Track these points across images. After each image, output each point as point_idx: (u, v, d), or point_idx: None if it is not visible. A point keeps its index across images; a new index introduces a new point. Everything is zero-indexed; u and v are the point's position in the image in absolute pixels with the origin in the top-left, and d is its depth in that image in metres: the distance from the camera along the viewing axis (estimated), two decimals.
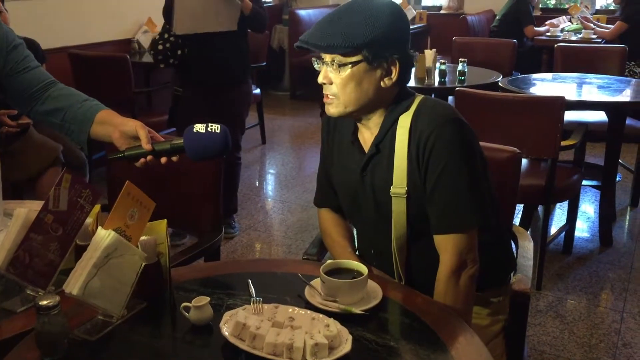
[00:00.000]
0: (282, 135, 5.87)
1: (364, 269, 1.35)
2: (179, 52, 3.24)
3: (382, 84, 1.47)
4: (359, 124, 1.57)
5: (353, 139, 1.59)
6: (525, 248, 1.82)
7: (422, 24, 7.09)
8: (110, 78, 4.03)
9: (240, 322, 1.16)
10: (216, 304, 1.30)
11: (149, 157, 1.43)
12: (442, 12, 7.27)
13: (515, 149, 1.86)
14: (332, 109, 1.50)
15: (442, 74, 4.01)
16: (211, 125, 1.37)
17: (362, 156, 1.56)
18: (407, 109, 1.50)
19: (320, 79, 1.49)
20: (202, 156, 1.41)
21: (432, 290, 1.48)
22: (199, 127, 1.37)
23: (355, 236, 1.74)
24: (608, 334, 2.71)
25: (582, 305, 2.93)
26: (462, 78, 3.99)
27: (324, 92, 1.50)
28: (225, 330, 1.17)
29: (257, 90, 5.30)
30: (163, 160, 1.43)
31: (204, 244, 1.89)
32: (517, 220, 3.47)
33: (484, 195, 1.49)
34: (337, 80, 1.45)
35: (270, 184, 4.78)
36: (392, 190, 1.49)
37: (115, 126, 1.50)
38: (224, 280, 1.44)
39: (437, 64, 4.03)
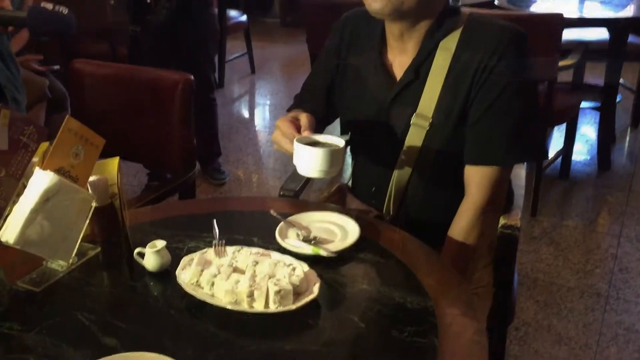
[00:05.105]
0: (272, 64, 5.67)
1: (341, 141, 1.23)
2: None
3: None
4: (394, 43, 1.37)
5: (380, 62, 1.39)
6: (517, 176, 1.70)
7: None
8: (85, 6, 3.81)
9: (197, 268, 1.06)
10: (176, 247, 1.20)
11: None
12: None
13: None
14: (382, 3, 1.25)
15: None
16: (60, 7, 1.47)
17: (390, 82, 1.38)
18: (453, 27, 1.31)
19: None
20: (42, 29, 1.50)
21: (421, 232, 1.32)
22: (47, 5, 1.47)
23: (354, 170, 1.60)
24: (604, 259, 2.65)
25: (578, 231, 2.86)
26: None
27: None
28: (183, 277, 1.08)
29: (244, 17, 5.06)
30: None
31: (176, 181, 1.78)
32: None
33: (537, 129, 1.34)
34: None
35: (260, 115, 4.63)
36: (414, 119, 1.34)
37: None
38: (188, 221, 1.33)
39: None
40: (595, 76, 4.38)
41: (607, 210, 3.05)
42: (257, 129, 4.31)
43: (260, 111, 4.70)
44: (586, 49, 3.13)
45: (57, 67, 3.10)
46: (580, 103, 3.16)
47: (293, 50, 6.01)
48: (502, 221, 1.48)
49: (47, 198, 1.06)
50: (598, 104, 3.50)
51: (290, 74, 5.35)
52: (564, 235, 2.84)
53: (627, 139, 3.89)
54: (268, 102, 4.79)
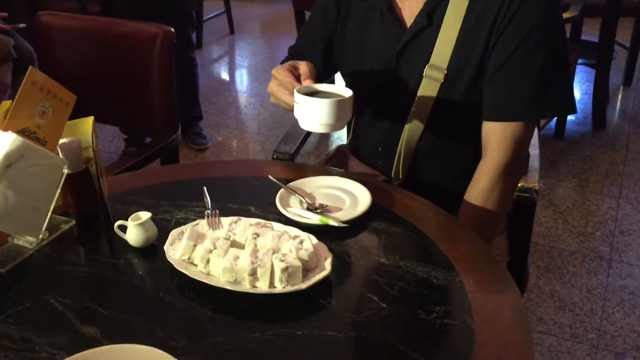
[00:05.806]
0: (251, 24, 5.44)
1: (347, 91, 1.10)
2: None
3: None
4: None
5: (387, 6, 1.23)
6: None
7: None
8: None
9: (189, 242, 0.92)
10: (162, 219, 1.05)
11: None
12: None
13: None
14: None
15: None
16: None
17: (399, 29, 1.23)
18: None
19: None
20: None
21: (433, 197, 1.19)
22: None
23: (356, 129, 1.46)
24: (604, 222, 2.57)
25: (576, 193, 2.77)
26: None
27: None
28: (172, 253, 0.93)
29: None
30: None
31: (158, 144, 1.63)
32: None
33: (565, 79, 1.18)
34: None
35: (240, 77, 4.44)
36: (428, 70, 1.19)
37: None
38: (174, 189, 1.18)
39: None
40: (587, 33, 4.26)
41: (604, 171, 2.95)
42: (238, 91, 4.13)
43: (241, 73, 4.51)
44: (586, 3, 3.00)
45: (22, 25, 2.88)
46: (577, 60, 3.04)
47: (274, 9, 5.78)
48: (518, 184, 1.35)
49: (9, 164, 0.90)
50: (593, 61, 3.38)
51: (271, 34, 5.14)
52: (561, 197, 2.74)
53: (620, 97, 3.80)
54: (248, 63, 4.59)
